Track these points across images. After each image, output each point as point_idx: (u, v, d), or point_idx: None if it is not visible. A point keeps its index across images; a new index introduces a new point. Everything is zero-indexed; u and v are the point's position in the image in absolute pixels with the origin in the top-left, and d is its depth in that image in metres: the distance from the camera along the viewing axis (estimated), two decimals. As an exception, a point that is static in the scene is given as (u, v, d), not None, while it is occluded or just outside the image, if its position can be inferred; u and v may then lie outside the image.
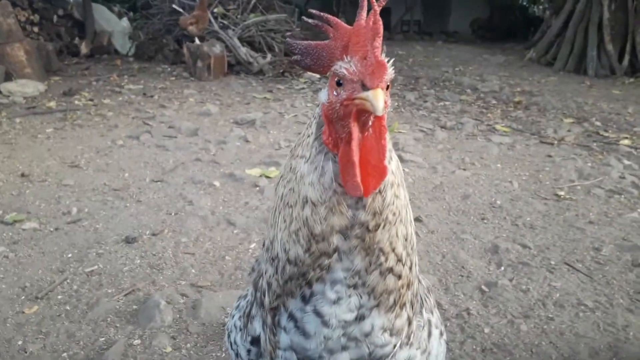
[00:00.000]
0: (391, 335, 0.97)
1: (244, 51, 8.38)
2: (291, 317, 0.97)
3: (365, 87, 0.82)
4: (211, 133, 5.17)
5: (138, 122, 5.52)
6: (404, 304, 0.98)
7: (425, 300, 1.14)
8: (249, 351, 1.10)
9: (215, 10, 8.81)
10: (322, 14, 0.94)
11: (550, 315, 2.40)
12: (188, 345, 2.15)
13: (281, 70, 8.41)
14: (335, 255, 0.91)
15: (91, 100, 6.40)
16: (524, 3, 17.97)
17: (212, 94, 7.01)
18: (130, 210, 3.42)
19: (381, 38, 0.85)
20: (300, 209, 0.91)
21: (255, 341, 1.08)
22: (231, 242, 3.03)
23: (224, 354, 2.10)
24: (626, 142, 5.23)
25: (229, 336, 1.19)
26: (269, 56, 8.56)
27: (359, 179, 0.86)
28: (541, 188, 4.00)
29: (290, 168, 0.97)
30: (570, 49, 9.89)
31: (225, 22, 8.79)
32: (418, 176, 4.16)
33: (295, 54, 0.96)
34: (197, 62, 7.82)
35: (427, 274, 2.71)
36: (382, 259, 0.92)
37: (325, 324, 0.94)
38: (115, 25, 10.28)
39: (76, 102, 6.28)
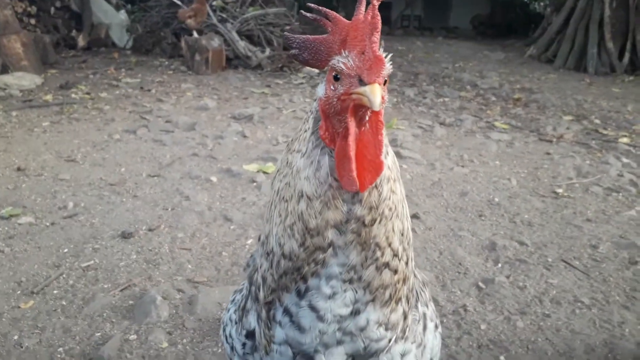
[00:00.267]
0: (386, 329, 0.97)
1: (242, 45, 8.35)
2: (286, 311, 0.97)
3: (362, 82, 0.83)
4: (208, 128, 5.15)
5: (135, 116, 5.50)
6: (400, 299, 0.98)
7: (421, 294, 1.14)
8: (243, 345, 1.10)
9: (214, 3, 8.76)
10: (320, 7, 0.94)
11: (547, 312, 2.40)
12: (184, 340, 2.15)
13: (280, 65, 8.38)
14: (330, 250, 0.90)
15: (88, 93, 6.37)
16: (525, 0, 17.94)
17: (209, 88, 6.98)
18: (126, 205, 3.41)
19: (379, 33, 0.85)
20: (295, 203, 0.91)
21: (250, 335, 1.08)
22: (228, 237, 3.02)
23: (220, 350, 2.10)
24: (625, 140, 5.23)
25: (224, 330, 1.19)
26: (267, 50, 8.53)
27: (355, 173, 0.86)
28: (539, 185, 4.00)
29: (287, 162, 0.97)
30: (570, 46, 9.89)
31: (224, 15, 8.76)
32: (416, 173, 4.16)
33: (293, 48, 0.95)
34: (195, 56, 7.79)
35: (424, 271, 2.71)
36: (379, 253, 0.91)
37: (321, 318, 0.94)
38: (112, 18, 10.23)
39: (73, 95, 6.26)
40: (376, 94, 0.79)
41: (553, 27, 10.53)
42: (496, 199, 3.70)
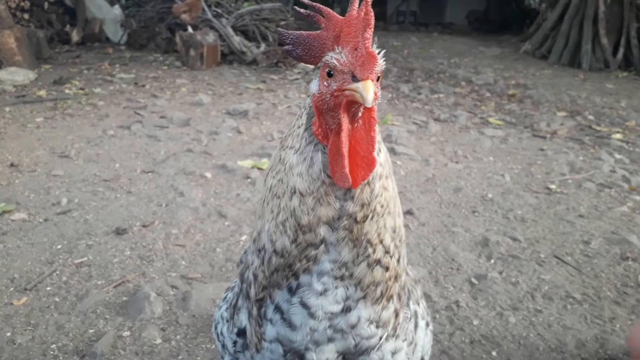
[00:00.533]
0: (377, 327, 0.97)
1: (237, 40, 8.31)
2: (277, 308, 0.96)
3: (355, 79, 0.83)
4: (203, 123, 5.13)
5: (129, 111, 5.46)
6: (391, 296, 0.98)
7: (412, 292, 1.14)
8: (235, 343, 1.10)
9: (209, -2, 8.71)
10: (314, 3, 0.93)
11: (539, 308, 2.42)
12: (178, 337, 2.15)
13: (275, 61, 8.35)
14: (322, 246, 0.90)
15: (82, 89, 6.33)
16: (520, -5, 17.94)
17: (204, 83, 6.95)
18: (120, 201, 3.40)
19: (372, 29, 0.85)
20: (288, 200, 0.91)
21: (242, 333, 1.08)
22: (222, 234, 3.02)
23: (213, 346, 2.10)
24: (618, 136, 5.26)
25: (215, 327, 1.19)
26: (262, 46, 8.49)
27: (347, 170, 0.86)
28: (533, 181, 4.02)
29: (280, 159, 0.97)
30: (565, 42, 9.92)
31: (219, 10, 8.70)
32: (410, 169, 4.17)
33: (286, 43, 0.95)
34: (189, 51, 7.75)
35: (417, 267, 2.72)
36: (370, 250, 0.91)
37: (312, 315, 0.94)
38: (107, 13, 10.14)
39: (67, 91, 6.21)
40: (369, 91, 0.79)
41: (548, 23, 10.55)
42: (490, 195, 3.71)
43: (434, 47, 11.74)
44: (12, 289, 2.43)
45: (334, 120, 0.89)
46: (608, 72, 9.16)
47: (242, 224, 3.13)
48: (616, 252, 2.93)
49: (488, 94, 7.12)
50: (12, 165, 3.89)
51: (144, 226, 3.06)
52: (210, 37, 7.83)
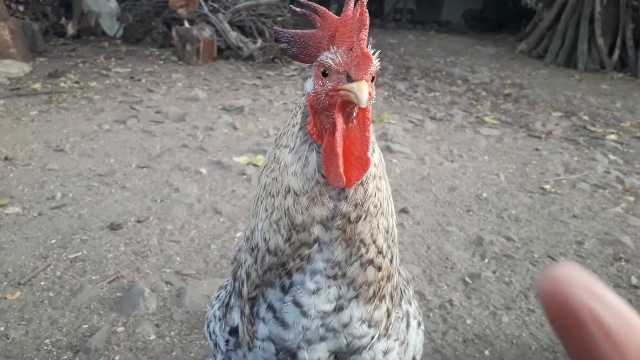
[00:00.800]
0: (369, 326, 0.98)
1: (234, 36, 8.28)
2: (270, 307, 0.97)
3: (350, 79, 0.83)
4: (199, 119, 5.12)
5: (125, 106, 5.44)
6: (384, 296, 0.99)
7: (405, 292, 1.15)
8: (227, 341, 1.10)
9: (206, -7, 8.66)
10: (310, 2, 0.93)
11: (532, 307, 2.44)
12: (172, 333, 2.15)
13: (271, 57, 8.32)
14: (316, 245, 0.91)
15: (77, 82, 6.29)
16: (517, -5, 17.96)
17: (200, 79, 6.93)
18: (115, 196, 3.39)
19: (367, 30, 0.85)
20: (282, 199, 0.91)
21: (234, 331, 1.08)
22: (217, 230, 3.02)
23: (207, 343, 2.10)
24: (612, 137, 5.29)
25: (208, 326, 1.19)
26: (259, 41, 8.47)
27: (341, 169, 0.86)
28: (527, 181, 4.04)
29: (274, 157, 0.97)
30: (561, 42, 9.95)
31: (216, 5, 8.66)
32: (406, 167, 4.17)
33: (282, 42, 0.95)
34: (186, 46, 7.71)
35: (411, 265, 2.73)
36: (363, 250, 0.92)
37: (304, 314, 0.94)
38: (102, 6, 10.06)
39: (62, 84, 6.17)
40: (363, 91, 0.79)
41: (544, 22, 10.58)
42: (484, 194, 3.73)
43: (431, 46, 11.74)
44: (5, 283, 2.43)
45: (328, 119, 0.88)
46: (603, 73, 9.20)
47: (237, 221, 3.13)
48: (609, 253, 2.95)
49: (484, 93, 7.13)
50: (6, 158, 3.86)
51: (138, 222, 3.06)
52: (207, 32, 7.80)
